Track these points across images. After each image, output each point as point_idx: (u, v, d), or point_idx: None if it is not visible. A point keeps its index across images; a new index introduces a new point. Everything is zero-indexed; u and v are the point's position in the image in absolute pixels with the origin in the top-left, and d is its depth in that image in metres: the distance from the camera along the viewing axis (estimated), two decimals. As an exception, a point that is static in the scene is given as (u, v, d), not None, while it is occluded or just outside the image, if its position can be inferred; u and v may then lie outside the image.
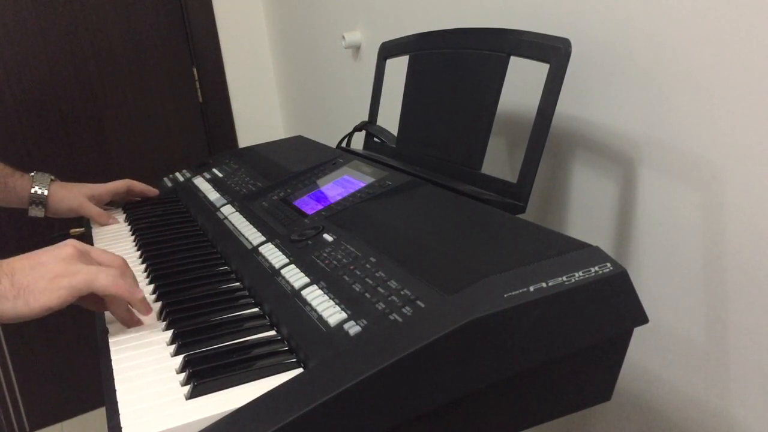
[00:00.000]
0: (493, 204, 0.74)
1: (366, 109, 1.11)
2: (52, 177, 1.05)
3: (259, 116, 2.07)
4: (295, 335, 0.58)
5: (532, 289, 0.52)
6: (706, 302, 0.76)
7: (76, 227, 1.09)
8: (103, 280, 0.63)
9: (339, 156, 1.02)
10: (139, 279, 0.79)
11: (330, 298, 0.61)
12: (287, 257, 0.72)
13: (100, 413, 2.00)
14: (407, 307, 0.54)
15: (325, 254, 0.69)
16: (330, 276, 0.65)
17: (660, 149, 0.77)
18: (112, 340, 0.64)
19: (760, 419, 0.74)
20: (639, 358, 0.87)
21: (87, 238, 1.00)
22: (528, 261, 0.56)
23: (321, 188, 0.91)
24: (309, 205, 0.85)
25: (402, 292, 0.56)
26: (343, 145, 1.15)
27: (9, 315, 0.60)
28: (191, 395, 0.53)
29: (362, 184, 0.86)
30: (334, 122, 1.72)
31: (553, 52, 0.74)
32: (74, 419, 2.00)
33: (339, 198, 0.84)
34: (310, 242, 0.73)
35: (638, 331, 0.58)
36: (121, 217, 1.06)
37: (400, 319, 0.53)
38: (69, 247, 0.65)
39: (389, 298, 0.56)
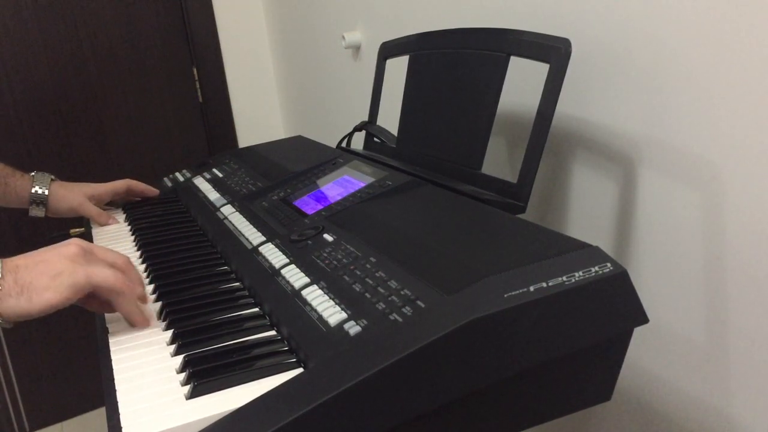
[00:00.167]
0: (493, 204, 0.74)
1: (366, 109, 1.11)
2: (53, 177, 1.05)
3: (259, 116, 2.07)
4: (295, 335, 0.58)
5: (532, 289, 0.52)
6: (706, 302, 0.76)
7: (76, 227, 1.09)
8: (102, 274, 0.63)
9: (339, 156, 1.02)
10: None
11: (330, 298, 0.61)
12: (287, 257, 0.72)
13: (100, 413, 2.00)
14: (407, 307, 0.54)
15: (325, 254, 0.69)
16: (330, 276, 0.65)
17: (660, 149, 0.77)
18: (112, 340, 0.64)
19: (760, 419, 0.74)
20: (639, 358, 0.87)
21: (87, 238, 1.00)
22: (528, 261, 0.56)
23: (321, 188, 0.91)
24: (309, 205, 0.85)
25: (402, 292, 0.56)
26: (343, 145, 1.15)
27: (12, 312, 0.60)
28: (191, 395, 0.53)
29: (362, 184, 0.86)
30: (334, 122, 1.72)
31: (553, 52, 0.74)
32: (74, 419, 2.00)
33: (339, 198, 0.84)
34: (310, 242, 0.73)
35: (638, 331, 0.58)
36: (121, 217, 1.06)
37: (400, 319, 0.53)
38: (73, 245, 0.65)
39: (389, 298, 0.56)
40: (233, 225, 0.88)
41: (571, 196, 0.93)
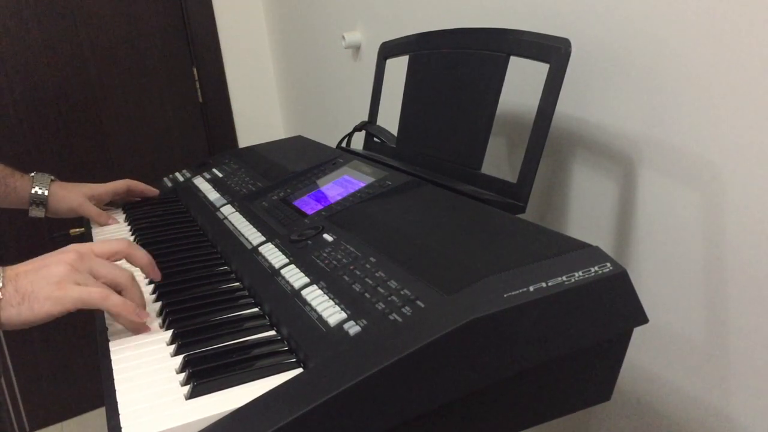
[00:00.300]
0: (493, 204, 0.74)
1: (366, 109, 1.11)
2: (52, 177, 1.05)
3: (259, 116, 2.07)
4: (295, 335, 0.58)
5: (532, 289, 0.52)
6: (706, 302, 0.76)
7: (76, 227, 1.09)
8: (98, 295, 0.62)
9: (339, 156, 1.02)
10: (138, 279, 0.79)
11: (330, 298, 0.61)
12: (287, 257, 0.72)
13: (100, 413, 2.00)
14: (407, 307, 0.54)
15: (325, 254, 0.69)
16: (330, 276, 0.65)
17: (660, 149, 0.77)
18: (112, 340, 0.64)
19: (760, 419, 0.74)
20: (639, 358, 0.87)
21: (87, 238, 1.00)
22: (528, 261, 0.56)
23: (321, 188, 0.91)
24: (309, 205, 0.85)
25: (402, 292, 0.56)
26: (343, 145, 1.15)
27: (14, 321, 0.61)
28: (191, 395, 0.53)
29: (362, 184, 0.86)
30: (334, 122, 1.72)
31: (553, 52, 0.74)
32: (74, 419, 2.00)
33: (339, 198, 0.84)
34: (310, 242, 0.73)
35: (638, 331, 0.58)
36: (121, 217, 1.06)
37: (400, 319, 0.53)
38: (72, 252, 0.65)
39: (389, 298, 0.56)
40: (233, 225, 0.88)
41: (571, 196, 0.93)
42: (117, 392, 0.55)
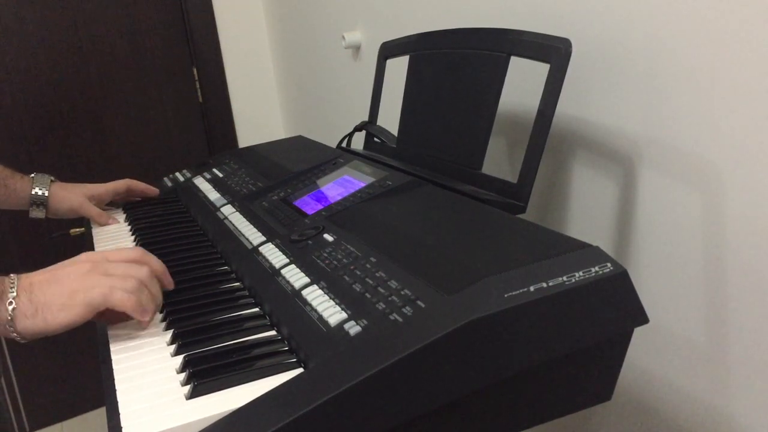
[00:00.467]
0: (493, 204, 0.74)
1: (366, 109, 1.11)
2: (52, 178, 1.05)
3: (259, 116, 2.07)
4: (295, 335, 0.58)
5: (532, 289, 0.52)
6: (706, 302, 0.76)
7: (76, 227, 1.09)
8: (118, 296, 0.62)
9: (339, 156, 1.02)
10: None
11: (330, 298, 0.61)
12: (287, 257, 0.72)
13: (100, 413, 2.00)
14: (407, 307, 0.54)
15: (325, 254, 0.69)
16: (330, 276, 0.65)
17: (660, 149, 0.77)
18: (112, 340, 0.64)
19: (760, 419, 0.74)
20: (639, 358, 0.87)
21: (87, 239, 1.00)
22: (528, 261, 0.56)
23: (321, 188, 0.91)
24: (309, 205, 0.85)
25: (402, 292, 0.56)
26: (343, 145, 1.15)
27: (29, 332, 0.61)
28: (191, 395, 0.53)
29: (362, 184, 0.86)
30: (334, 122, 1.72)
31: (553, 52, 0.74)
32: (74, 419, 2.00)
33: (339, 198, 0.84)
34: (310, 242, 0.73)
35: (638, 331, 0.58)
36: (121, 217, 1.06)
37: (400, 319, 0.53)
38: (86, 263, 0.65)
39: (389, 298, 0.56)
40: (233, 225, 0.88)
41: (571, 196, 0.93)
42: (117, 392, 0.55)
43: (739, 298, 0.72)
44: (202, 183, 1.12)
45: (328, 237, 0.73)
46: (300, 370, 0.55)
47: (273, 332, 0.63)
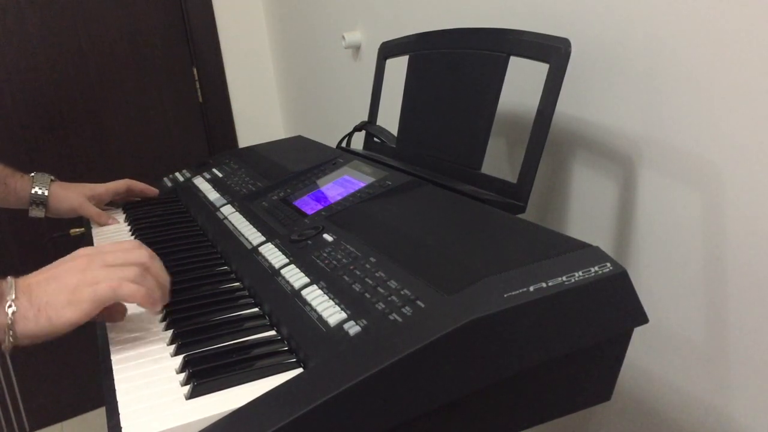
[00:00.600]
0: (493, 204, 0.74)
1: (366, 109, 1.11)
2: (52, 177, 1.05)
3: (259, 116, 2.07)
4: (295, 335, 0.58)
5: (532, 289, 0.52)
6: (706, 302, 0.76)
7: (76, 227, 1.09)
8: (127, 289, 0.61)
9: (339, 156, 1.02)
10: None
11: (330, 298, 0.61)
12: (287, 257, 0.72)
13: (100, 413, 2.00)
14: (407, 307, 0.54)
15: (325, 254, 0.69)
16: (330, 276, 0.65)
17: (660, 149, 0.77)
18: (111, 340, 0.64)
19: (760, 419, 0.74)
20: (639, 358, 0.87)
21: (87, 239, 1.00)
22: (528, 261, 0.56)
23: (321, 188, 0.91)
24: (309, 205, 0.85)
25: (402, 292, 0.56)
26: (343, 145, 1.15)
27: (32, 334, 0.58)
28: (191, 395, 0.53)
29: (362, 184, 0.86)
30: (334, 122, 1.72)
31: (553, 52, 0.74)
32: (74, 419, 2.00)
33: (339, 198, 0.84)
34: (310, 242, 0.73)
35: (638, 331, 0.58)
36: (121, 217, 1.06)
37: (400, 319, 0.53)
38: (82, 257, 0.63)
39: (389, 298, 0.56)
40: (233, 225, 0.88)
41: (571, 196, 0.93)
42: (117, 392, 0.55)
43: (739, 298, 0.72)
44: (201, 183, 1.12)
45: (328, 237, 0.73)
46: (300, 370, 0.55)
47: (273, 332, 0.63)
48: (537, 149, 0.75)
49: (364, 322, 0.55)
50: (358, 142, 1.13)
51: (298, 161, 1.06)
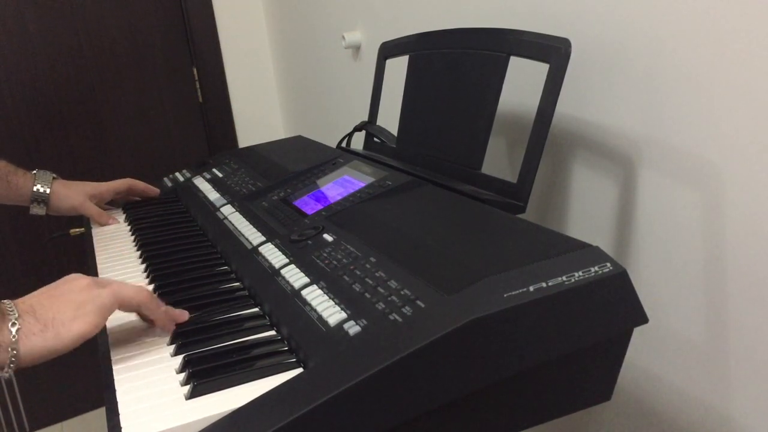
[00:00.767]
0: (493, 204, 0.74)
1: (366, 109, 1.11)
2: (54, 175, 1.05)
3: (259, 116, 2.07)
4: (295, 335, 0.58)
5: (532, 289, 0.52)
6: (706, 302, 0.76)
7: (75, 227, 1.09)
8: (127, 291, 0.62)
9: (339, 156, 1.02)
10: (139, 279, 0.79)
11: (330, 298, 0.61)
12: (287, 257, 0.72)
13: (100, 413, 2.00)
14: (407, 307, 0.54)
15: (325, 254, 0.69)
16: (330, 276, 0.65)
17: (660, 149, 0.77)
18: (111, 341, 0.64)
19: (760, 419, 0.74)
20: (639, 358, 0.87)
21: (87, 238, 1.00)
22: (528, 261, 0.56)
23: (321, 188, 0.91)
24: (309, 205, 0.85)
25: (402, 292, 0.56)
26: (343, 145, 1.15)
27: (40, 350, 0.57)
28: (191, 395, 0.53)
29: (362, 184, 0.86)
30: (334, 122, 1.72)
31: (553, 52, 0.74)
32: (74, 419, 2.00)
33: (339, 198, 0.84)
34: (310, 242, 0.73)
35: (638, 331, 0.58)
36: (121, 216, 1.06)
37: (400, 319, 0.53)
38: (81, 278, 0.63)
39: (389, 298, 0.56)
40: (233, 225, 0.88)
41: (571, 196, 0.93)
42: (117, 392, 0.55)
43: (739, 298, 0.72)
44: (201, 183, 1.12)
45: (328, 237, 0.73)
46: (300, 370, 0.55)
47: (273, 332, 0.63)
48: (537, 149, 0.75)
49: (364, 322, 0.55)
50: (358, 142, 1.13)
51: (298, 161, 1.06)
